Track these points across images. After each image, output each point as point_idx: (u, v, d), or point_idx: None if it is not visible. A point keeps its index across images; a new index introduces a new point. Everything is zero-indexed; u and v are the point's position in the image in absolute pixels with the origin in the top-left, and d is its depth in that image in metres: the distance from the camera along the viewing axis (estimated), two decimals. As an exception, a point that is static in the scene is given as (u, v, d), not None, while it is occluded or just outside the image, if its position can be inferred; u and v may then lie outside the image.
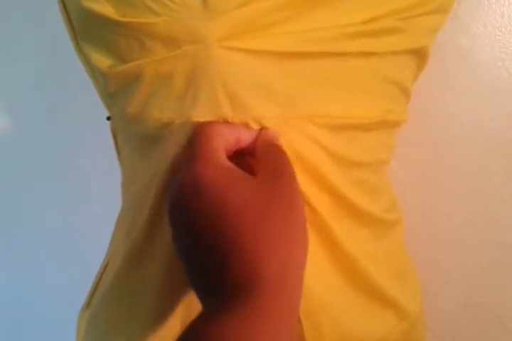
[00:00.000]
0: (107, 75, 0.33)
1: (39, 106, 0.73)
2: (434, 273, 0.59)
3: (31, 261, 0.81)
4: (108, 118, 0.38)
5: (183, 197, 0.26)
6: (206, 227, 0.24)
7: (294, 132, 0.30)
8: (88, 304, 0.41)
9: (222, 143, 0.28)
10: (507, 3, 0.50)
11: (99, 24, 0.31)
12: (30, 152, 0.76)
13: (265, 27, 0.28)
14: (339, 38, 0.29)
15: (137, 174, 0.35)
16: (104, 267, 0.41)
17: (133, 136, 0.35)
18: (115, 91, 0.33)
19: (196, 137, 0.28)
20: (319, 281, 0.33)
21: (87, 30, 0.33)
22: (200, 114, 0.30)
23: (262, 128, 0.30)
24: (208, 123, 0.29)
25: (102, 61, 0.32)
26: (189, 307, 0.33)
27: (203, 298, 0.25)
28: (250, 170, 0.29)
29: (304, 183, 0.31)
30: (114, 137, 0.39)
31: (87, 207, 0.75)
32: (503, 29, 0.51)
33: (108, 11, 0.30)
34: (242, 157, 0.30)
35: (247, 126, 0.30)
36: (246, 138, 0.29)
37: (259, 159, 0.28)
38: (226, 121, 0.29)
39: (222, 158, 0.27)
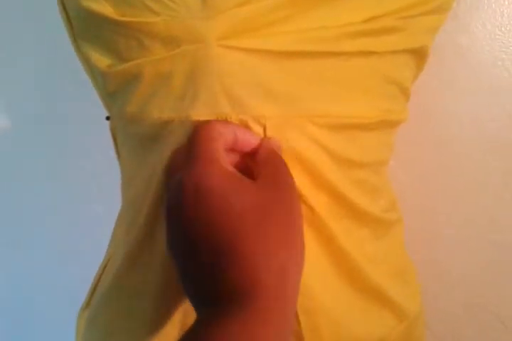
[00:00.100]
0: (106, 75, 0.33)
1: (39, 106, 0.73)
2: (434, 273, 0.59)
3: (31, 261, 0.81)
4: (107, 118, 0.38)
5: (182, 199, 0.25)
6: (205, 232, 0.24)
7: (293, 132, 0.30)
8: (87, 304, 0.41)
9: (222, 142, 0.27)
10: (506, 2, 0.50)
11: (98, 23, 0.31)
12: (30, 152, 0.76)
13: (265, 26, 0.28)
14: (339, 37, 0.29)
15: (137, 173, 0.35)
16: (103, 268, 0.40)
17: (132, 135, 0.35)
18: (114, 90, 0.33)
19: (196, 136, 0.28)
20: (318, 281, 0.33)
21: (87, 29, 0.33)
22: (200, 113, 0.30)
23: (265, 137, 0.30)
24: (207, 122, 0.29)
25: (102, 60, 0.32)
26: (189, 307, 0.33)
27: (197, 304, 0.25)
28: (247, 170, 0.29)
29: (304, 183, 0.31)
30: (114, 137, 0.39)
31: (87, 207, 0.75)
32: (503, 28, 0.51)
33: (107, 10, 0.30)
34: (239, 155, 0.30)
35: (246, 125, 0.30)
36: (243, 136, 0.29)
37: (260, 165, 0.28)
38: (224, 120, 0.29)
39: (223, 160, 0.26)
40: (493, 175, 0.55)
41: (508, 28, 0.51)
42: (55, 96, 0.72)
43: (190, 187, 0.25)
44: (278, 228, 0.25)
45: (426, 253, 0.58)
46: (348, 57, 0.30)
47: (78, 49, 0.35)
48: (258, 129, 0.30)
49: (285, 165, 0.29)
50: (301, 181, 0.31)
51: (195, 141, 0.27)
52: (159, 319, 0.34)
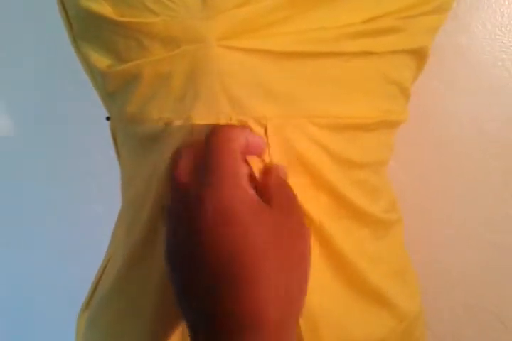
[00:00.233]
0: (106, 75, 0.33)
1: (39, 106, 0.73)
2: (434, 273, 0.59)
3: (31, 261, 0.81)
4: (107, 118, 0.38)
5: (200, 220, 0.25)
6: (217, 257, 0.24)
7: (294, 132, 0.30)
8: (88, 304, 0.41)
9: (241, 151, 0.27)
10: (507, 2, 0.50)
11: (97, 24, 0.31)
12: (31, 152, 0.76)
13: (264, 27, 0.28)
14: (338, 37, 0.29)
15: (137, 174, 0.35)
16: (103, 268, 0.40)
17: (132, 135, 0.35)
18: (114, 91, 0.33)
19: (216, 145, 0.27)
20: (317, 282, 0.32)
21: (86, 29, 0.33)
22: (200, 114, 0.30)
23: (273, 165, 0.30)
24: (222, 127, 0.28)
25: (101, 61, 0.32)
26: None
27: (195, 330, 0.25)
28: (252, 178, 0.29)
29: (304, 183, 0.31)
30: (114, 137, 0.39)
31: (87, 207, 0.75)
32: (503, 28, 0.51)
33: (106, 10, 0.30)
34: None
35: (246, 126, 0.30)
36: (253, 139, 0.29)
37: (273, 193, 0.28)
38: (231, 123, 0.29)
39: (245, 181, 0.26)
40: (493, 175, 0.55)
41: (508, 28, 0.51)
42: (55, 97, 0.72)
43: (210, 209, 0.25)
44: (291, 262, 0.26)
45: (426, 253, 0.58)
46: (348, 58, 0.30)
47: (78, 49, 0.35)
48: (259, 130, 0.30)
49: (292, 191, 0.29)
50: (301, 181, 0.31)
51: (215, 150, 0.27)
52: (160, 320, 0.34)
